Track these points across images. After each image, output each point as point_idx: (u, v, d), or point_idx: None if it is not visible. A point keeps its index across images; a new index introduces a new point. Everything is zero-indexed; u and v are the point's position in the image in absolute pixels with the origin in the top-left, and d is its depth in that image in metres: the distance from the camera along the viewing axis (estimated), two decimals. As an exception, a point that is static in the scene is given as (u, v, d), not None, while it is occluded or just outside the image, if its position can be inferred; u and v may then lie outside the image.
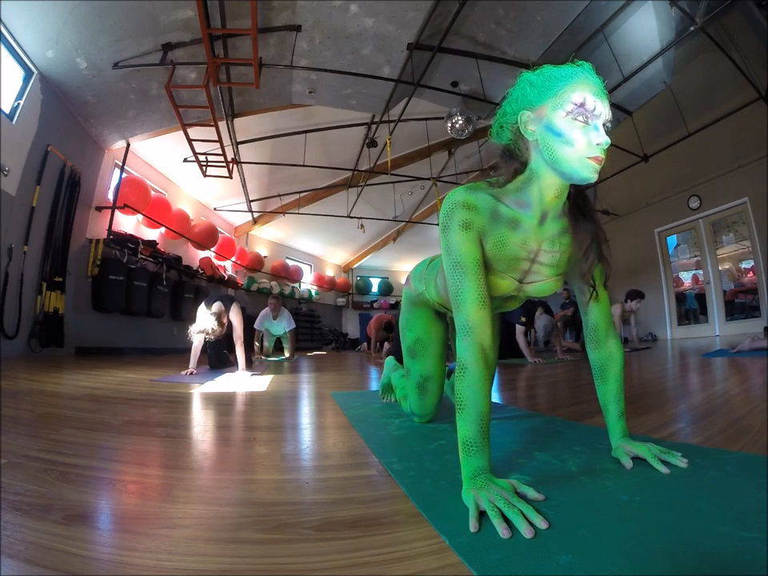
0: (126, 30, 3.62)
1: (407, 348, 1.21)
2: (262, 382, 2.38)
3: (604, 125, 0.67)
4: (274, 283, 9.19)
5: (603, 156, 0.66)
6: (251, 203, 7.47)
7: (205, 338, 2.76)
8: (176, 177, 6.56)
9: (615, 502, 0.60)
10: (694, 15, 3.77)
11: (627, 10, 4.30)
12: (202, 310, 2.80)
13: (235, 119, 5.06)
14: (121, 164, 5.19)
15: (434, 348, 1.19)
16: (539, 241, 0.77)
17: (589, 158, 0.66)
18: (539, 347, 6.23)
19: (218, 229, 7.51)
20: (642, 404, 1.43)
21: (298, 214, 7.95)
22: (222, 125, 4.76)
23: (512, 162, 0.75)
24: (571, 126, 0.66)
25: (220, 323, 2.74)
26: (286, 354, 4.97)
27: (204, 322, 2.69)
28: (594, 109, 0.66)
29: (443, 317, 1.23)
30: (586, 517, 0.55)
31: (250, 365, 3.12)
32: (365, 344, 7.98)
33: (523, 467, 0.77)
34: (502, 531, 0.51)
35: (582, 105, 0.65)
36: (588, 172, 0.67)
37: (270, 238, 9.84)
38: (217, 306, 2.80)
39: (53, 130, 4.04)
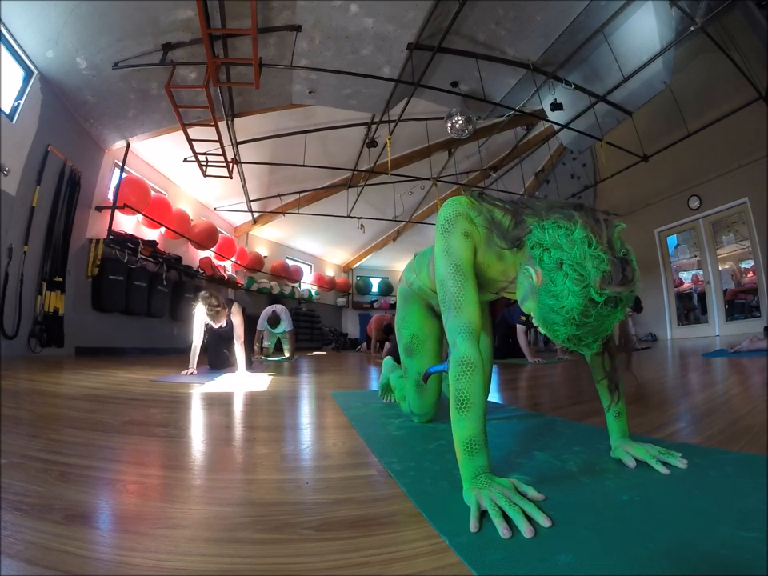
0: (126, 30, 3.62)
1: (404, 346, 1.22)
2: (262, 382, 2.38)
3: None
4: (274, 283, 9.19)
5: None
6: (251, 203, 7.46)
7: (205, 329, 2.76)
8: (176, 177, 6.55)
9: (615, 501, 0.60)
10: (694, 15, 3.77)
11: (627, 10, 4.30)
12: (200, 309, 2.80)
13: (235, 119, 5.06)
14: (121, 164, 5.19)
15: (429, 344, 1.20)
16: (517, 270, 0.79)
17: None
18: (539, 347, 6.22)
19: (218, 229, 7.50)
20: (642, 404, 1.43)
21: (298, 213, 7.95)
22: (222, 125, 4.75)
23: (518, 246, 0.72)
24: (527, 311, 0.72)
25: (221, 306, 2.76)
26: (286, 354, 4.97)
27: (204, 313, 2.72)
28: None
29: (437, 315, 1.24)
30: (586, 517, 0.55)
31: (249, 365, 3.12)
32: (365, 344, 7.98)
33: (523, 467, 0.77)
34: (503, 531, 0.51)
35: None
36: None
37: (270, 238, 9.84)
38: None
39: (53, 130, 4.04)
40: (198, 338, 2.84)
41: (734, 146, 5.74)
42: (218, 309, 2.73)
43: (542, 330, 0.68)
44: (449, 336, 0.73)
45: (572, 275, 0.58)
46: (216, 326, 2.81)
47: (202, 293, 2.79)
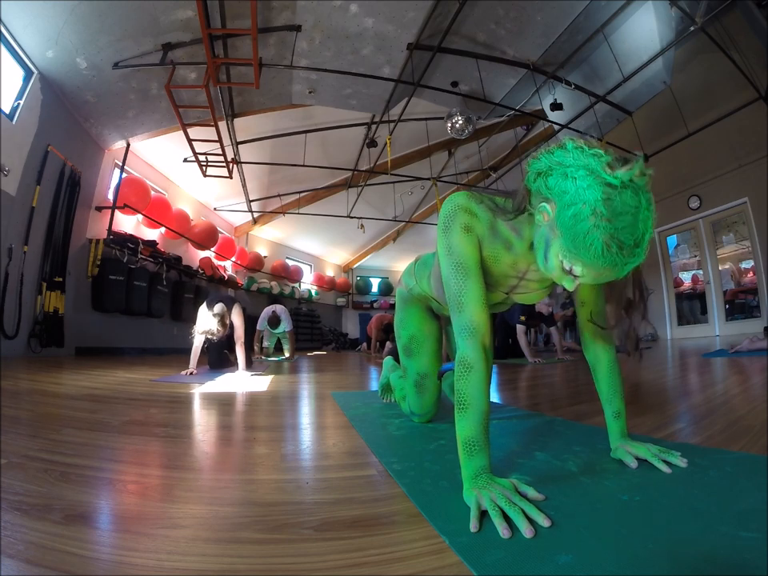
0: (126, 30, 3.62)
1: (403, 346, 1.22)
2: (262, 382, 2.38)
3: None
4: (274, 283, 9.19)
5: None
6: (251, 203, 7.47)
7: (207, 338, 2.75)
8: (176, 177, 6.56)
9: (615, 501, 0.60)
10: (694, 15, 3.77)
11: (627, 10, 4.30)
12: (203, 311, 2.79)
13: (235, 119, 5.06)
14: (121, 164, 5.19)
15: (429, 345, 1.20)
16: (528, 263, 0.79)
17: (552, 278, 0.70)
18: (539, 347, 6.23)
19: (218, 229, 7.51)
20: (642, 404, 1.43)
21: (298, 213, 7.95)
22: (222, 125, 4.76)
23: (524, 202, 0.70)
24: (556, 264, 0.64)
25: (223, 324, 2.72)
26: (286, 354, 4.98)
27: (207, 323, 2.68)
28: (583, 281, 0.63)
29: (437, 316, 1.24)
30: (586, 517, 0.55)
31: (250, 365, 3.12)
32: (364, 344, 7.98)
33: (523, 467, 0.77)
34: (503, 531, 0.51)
35: (576, 276, 0.62)
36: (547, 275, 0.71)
37: (269, 238, 9.84)
38: (219, 307, 2.79)
39: (53, 129, 4.04)
40: (198, 339, 2.84)
41: (733, 146, 5.74)
42: (219, 336, 2.73)
43: (578, 268, 0.60)
44: (455, 336, 0.73)
45: (580, 174, 0.57)
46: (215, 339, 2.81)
47: (204, 325, 2.69)
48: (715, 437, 0.95)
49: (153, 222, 5.74)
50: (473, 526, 0.52)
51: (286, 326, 4.83)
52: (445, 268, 0.75)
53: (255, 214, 8.18)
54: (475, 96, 5.00)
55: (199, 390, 1.97)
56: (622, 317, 0.69)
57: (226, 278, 7.65)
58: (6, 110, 3.54)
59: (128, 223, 5.47)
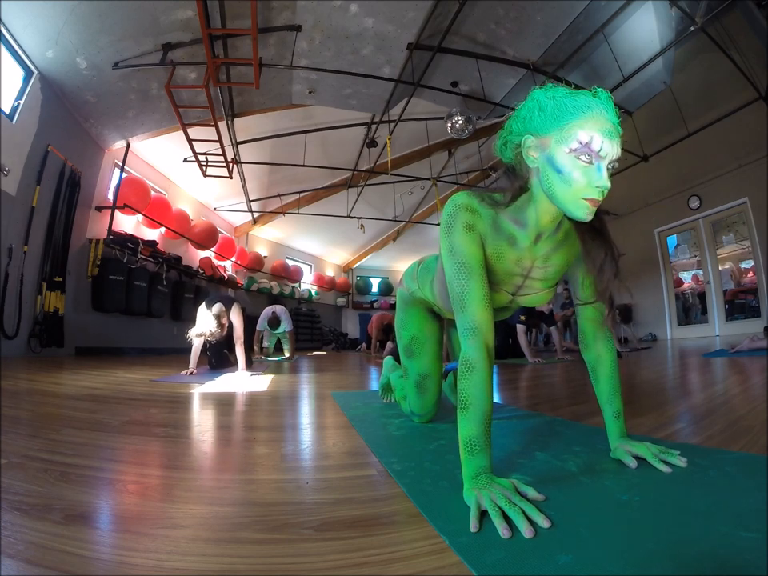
0: (126, 29, 3.62)
1: (403, 347, 1.22)
2: (262, 382, 2.38)
3: (609, 164, 0.63)
4: (274, 283, 9.19)
5: (600, 199, 0.64)
6: (251, 203, 7.47)
7: (205, 340, 2.75)
8: (176, 177, 6.55)
9: (615, 502, 0.60)
10: (694, 15, 3.77)
11: (627, 10, 4.30)
12: (202, 310, 2.79)
13: (235, 119, 5.06)
14: (121, 164, 5.19)
15: (430, 345, 1.20)
16: (533, 259, 0.79)
17: (585, 198, 0.64)
18: (539, 347, 6.23)
19: (218, 229, 7.51)
20: (642, 404, 1.43)
21: (298, 214, 7.95)
22: (222, 125, 4.76)
23: (515, 180, 0.73)
24: (573, 165, 0.63)
25: (220, 325, 2.71)
26: (286, 354, 4.98)
27: (203, 325, 2.67)
28: (601, 149, 0.61)
29: (438, 316, 1.24)
30: (586, 517, 0.55)
31: (249, 365, 3.12)
32: (364, 344, 7.98)
33: (523, 467, 0.77)
34: (503, 531, 0.51)
35: (587, 144, 0.61)
36: (581, 212, 0.65)
37: (269, 238, 9.84)
38: (217, 307, 2.79)
39: (53, 129, 4.04)
40: (198, 340, 2.83)
41: (733, 146, 5.74)
42: (218, 336, 2.73)
43: (583, 134, 0.61)
44: (458, 336, 0.73)
45: (523, 104, 0.71)
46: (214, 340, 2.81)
47: (203, 325, 2.69)
48: (715, 437, 0.95)
49: (153, 222, 5.74)
50: (473, 526, 0.52)
51: (286, 326, 4.83)
52: (448, 268, 0.75)
53: (255, 214, 8.18)
54: (475, 96, 5.00)
55: (199, 390, 1.97)
56: (600, 278, 0.73)
57: (226, 277, 7.65)
58: (6, 110, 3.54)
59: (128, 223, 5.47)
